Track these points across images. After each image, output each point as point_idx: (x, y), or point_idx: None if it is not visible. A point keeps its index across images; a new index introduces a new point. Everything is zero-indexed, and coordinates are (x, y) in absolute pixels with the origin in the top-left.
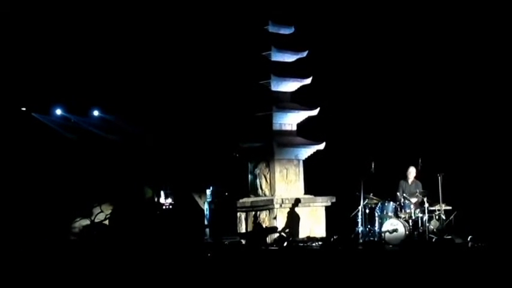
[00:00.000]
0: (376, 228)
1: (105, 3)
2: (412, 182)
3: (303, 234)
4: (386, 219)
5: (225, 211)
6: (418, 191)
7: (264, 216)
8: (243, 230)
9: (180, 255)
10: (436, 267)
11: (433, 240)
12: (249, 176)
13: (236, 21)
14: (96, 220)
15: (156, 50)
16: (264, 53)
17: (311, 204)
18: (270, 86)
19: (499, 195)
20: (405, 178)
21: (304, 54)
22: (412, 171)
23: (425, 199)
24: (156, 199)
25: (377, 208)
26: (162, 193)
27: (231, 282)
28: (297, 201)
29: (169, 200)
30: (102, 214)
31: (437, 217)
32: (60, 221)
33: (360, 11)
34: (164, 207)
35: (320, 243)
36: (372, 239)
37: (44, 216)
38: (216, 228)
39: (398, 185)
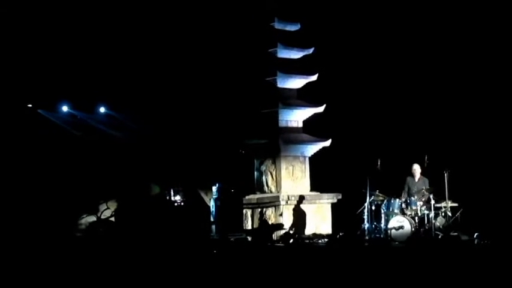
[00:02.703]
0: (382, 225)
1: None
2: (419, 178)
3: (308, 231)
4: (392, 216)
5: (231, 208)
6: (424, 187)
7: (270, 213)
8: (249, 227)
9: (186, 251)
10: (442, 264)
11: (439, 237)
12: (255, 172)
13: (242, 18)
14: (102, 217)
15: (163, 48)
16: (270, 50)
17: (317, 201)
18: (276, 82)
19: (505, 192)
20: (412, 175)
21: (311, 51)
22: (416, 168)
23: (431, 196)
24: (167, 196)
25: (383, 205)
26: (171, 190)
27: (237, 279)
28: (303, 198)
29: (178, 197)
30: (108, 211)
31: (443, 214)
32: (66, 217)
33: (367, 7)
34: (176, 204)
35: (326, 240)
36: (378, 235)
37: (50, 212)
38: (222, 225)
39: (404, 182)
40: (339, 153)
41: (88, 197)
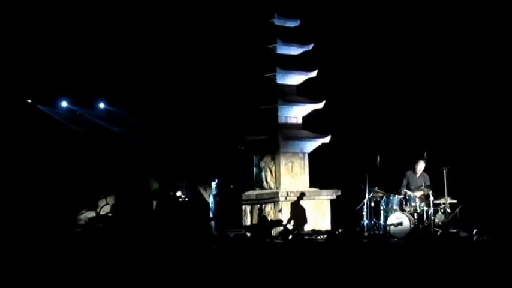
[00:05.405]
0: (381, 221)
1: None
2: (421, 174)
3: (308, 227)
4: (391, 213)
5: (230, 204)
6: (423, 184)
7: (269, 209)
8: (248, 223)
9: (185, 247)
10: (441, 261)
11: (438, 233)
12: (254, 169)
13: (242, 14)
14: (101, 212)
15: (162, 44)
16: (269, 46)
17: (316, 197)
18: (276, 79)
19: (504, 188)
20: (413, 170)
21: (310, 47)
22: (421, 166)
23: (430, 192)
24: (171, 192)
25: (382, 201)
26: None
27: (236, 275)
28: (302, 194)
29: (179, 193)
30: (107, 206)
31: (442, 210)
32: (65, 213)
33: (366, 4)
34: (180, 199)
35: (325, 236)
36: (377, 232)
37: (49, 208)
38: (221, 221)
39: (404, 176)
40: (339, 150)
41: (87, 192)
